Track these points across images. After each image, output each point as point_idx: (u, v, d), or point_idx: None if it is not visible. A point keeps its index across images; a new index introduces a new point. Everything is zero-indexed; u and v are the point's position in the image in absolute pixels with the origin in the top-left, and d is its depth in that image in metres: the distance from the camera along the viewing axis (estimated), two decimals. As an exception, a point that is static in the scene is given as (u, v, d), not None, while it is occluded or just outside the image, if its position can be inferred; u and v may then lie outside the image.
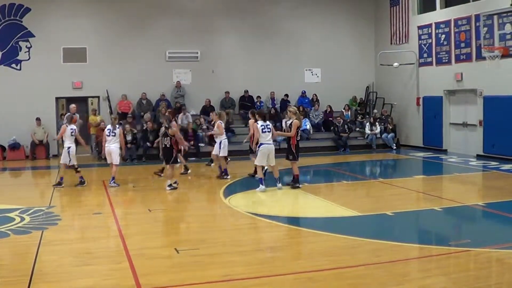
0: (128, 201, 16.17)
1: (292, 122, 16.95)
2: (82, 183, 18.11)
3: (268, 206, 15.06)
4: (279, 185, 16.78)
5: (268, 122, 17.04)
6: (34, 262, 9.59)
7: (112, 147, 18.06)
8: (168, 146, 17.35)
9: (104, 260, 9.98)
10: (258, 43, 30.15)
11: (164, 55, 28.94)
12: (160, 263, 9.57)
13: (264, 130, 16.65)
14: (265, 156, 16.57)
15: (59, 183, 17.96)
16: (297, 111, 17.53)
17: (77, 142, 18.47)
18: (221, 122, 19.45)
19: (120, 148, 18.49)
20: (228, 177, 19.07)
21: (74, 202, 16.28)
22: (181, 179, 18.68)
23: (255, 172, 17.70)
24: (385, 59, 29.06)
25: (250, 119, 19.09)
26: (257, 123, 16.89)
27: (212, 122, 20.80)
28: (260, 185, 16.54)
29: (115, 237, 11.45)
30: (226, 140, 19.61)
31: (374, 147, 28.40)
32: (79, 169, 18.19)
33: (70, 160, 17.83)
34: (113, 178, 18.06)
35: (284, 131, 18.96)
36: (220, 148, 19.18)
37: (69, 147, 17.87)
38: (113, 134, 18.09)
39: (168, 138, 17.32)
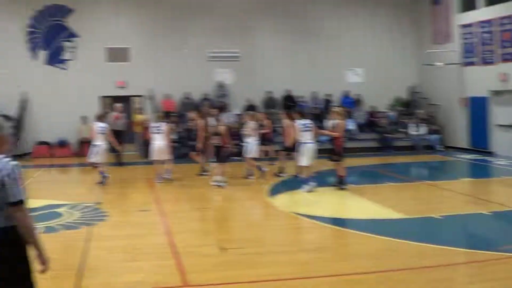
0: (175, 199, 16.24)
1: (337, 122, 16.81)
2: (102, 182, 18.04)
3: (313, 206, 14.90)
4: (308, 186, 16.49)
5: (308, 121, 16.88)
6: (83, 257, 9.73)
7: (160, 144, 18.19)
8: (219, 144, 17.49)
9: (151, 256, 10.07)
10: (300, 42, 30.04)
11: (205, 55, 29.06)
12: (206, 261, 9.58)
13: (303, 129, 16.49)
14: (308, 154, 16.39)
15: (101, 182, 18.20)
16: (342, 112, 17.39)
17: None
18: (254, 123, 19.24)
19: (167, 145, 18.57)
20: (253, 177, 19.06)
21: (121, 199, 16.53)
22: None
23: (298, 172, 17.59)
24: (429, 59, 28.68)
25: (287, 119, 18.90)
26: (296, 122, 16.74)
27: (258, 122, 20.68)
28: (305, 185, 16.39)
29: (162, 234, 11.53)
30: (256, 141, 19.22)
31: (419, 148, 28.07)
32: (102, 168, 18.24)
33: (95, 157, 18.03)
34: (167, 173, 18.23)
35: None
36: (249, 149, 19.05)
37: (95, 145, 18.08)
38: (160, 131, 18.22)
39: (219, 136, 17.47)
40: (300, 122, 16.57)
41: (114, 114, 23.37)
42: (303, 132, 16.41)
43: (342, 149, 16.73)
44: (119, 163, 23.20)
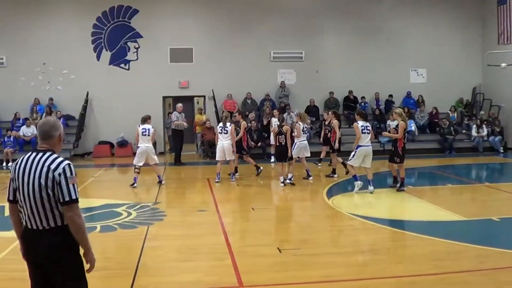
0: (232, 199, 16.27)
1: (398, 124, 16.62)
2: (133, 184, 17.97)
3: (371, 207, 14.84)
4: (371, 188, 16.23)
5: (368, 123, 16.72)
6: (139, 256, 9.78)
7: (226, 144, 18.27)
8: (283, 143, 17.52)
9: (207, 256, 10.06)
10: (362, 43, 29.84)
11: (268, 55, 29.11)
12: (262, 261, 9.51)
13: (364, 131, 16.31)
14: (362, 157, 16.29)
15: (160, 182, 18.36)
16: (403, 113, 17.10)
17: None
18: (300, 123, 19.11)
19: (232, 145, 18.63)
20: (311, 178, 18.94)
21: (179, 199, 16.60)
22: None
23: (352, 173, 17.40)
24: (493, 59, 28.03)
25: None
26: (358, 123, 16.58)
27: (327, 122, 20.56)
28: (356, 182, 16.29)
29: (218, 234, 11.49)
30: (302, 142, 18.84)
31: (481, 150, 27.53)
32: (138, 170, 18.24)
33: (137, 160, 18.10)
34: (233, 173, 18.32)
35: (389, 132, 18.54)
36: (293, 149, 18.93)
37: (138, 147, 18.19)
38: (225, 131, 18.30)
39: (283, 136, 17.49)
40: (360, 124, 16.45)
41: (175, 114, 23.53)
42: (362, 134, 16.27)
43: (403, 150, 16.52)
44: (178, 163, 23.38)
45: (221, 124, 18.58)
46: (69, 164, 5.24)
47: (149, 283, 8.53)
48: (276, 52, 29.11)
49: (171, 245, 10.81)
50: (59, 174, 5.14)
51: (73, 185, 5.19)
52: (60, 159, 5.27)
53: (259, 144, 24.64)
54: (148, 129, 18.07)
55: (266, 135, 25.00)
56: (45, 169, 5.17)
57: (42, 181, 5.14)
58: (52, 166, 5.17)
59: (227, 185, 18.09)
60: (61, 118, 26.50)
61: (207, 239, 11.34)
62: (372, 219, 12.85)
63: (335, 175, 19.40)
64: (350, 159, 16.52)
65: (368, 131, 16.38)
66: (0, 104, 27.33)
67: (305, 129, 18.88)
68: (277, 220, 13.68)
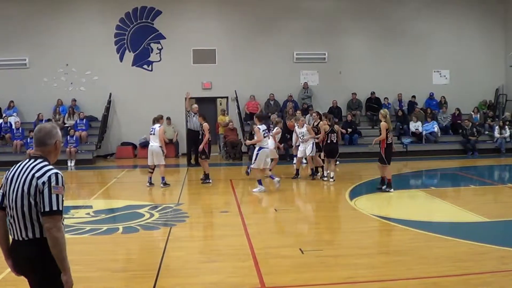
0: (255, 200, 16.19)
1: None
2: (152, 184, 18.23)
3: (393, 209, 14.83)
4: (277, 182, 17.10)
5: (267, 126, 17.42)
6: (161, 257, 9.76)
7: (270, 146, 18.25)
8: (334, 141, 18.00)
9: (229, 257, 10.03)
10: (384, 44, 29.71)
11: (291, 56, 29.08)
12: (285, 262, 9.47)
13: (265, 135, 16.94)
14: (263, 159, 16.88)
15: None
16: (387, 115, 16.72)
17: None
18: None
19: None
20: (333, 180, 18.87)
21: (202, 200, 16.56)
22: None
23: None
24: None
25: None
26: (258, 127, 17.03)
27: (316, 123, 20.62)
28: (260, 186, 16.91)
29: (241, 236, 11.44)
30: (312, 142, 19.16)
31: (503, 151, 27.26)
32: (151, 170, 18.39)
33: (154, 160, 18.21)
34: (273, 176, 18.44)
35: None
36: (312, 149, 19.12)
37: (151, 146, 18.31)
38: (269, 134, 18.29)
39: (335, 134, 17.97)
40: (261, 127, 16.98)
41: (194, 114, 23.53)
42: (265, 138, 16.98)
43: (387, 151, 16.32)
44: (197, 164, 23.38)
45: (264, 126, 17.94)
46: (56, 174, 4.99)
47: (171, 284, 8.52)
48: (299, 53, 29.08)
49: (193, 246, 10.82)
50: (43, 183, 4.91)
51: (57, 195, 4.92)
52: (48, 167, 5.04)
53: (282, 145, 24.55)
54: (154, 128, 18.27)
55: (288, 136, 24.92)
56: (29, 176, 4.96)
57: (25, 188, 4.92)
58: (37, 174, 4.95)
59: (251, 186, 18.01)
60: (84, 119, 26.68)
61: (230, 240, 11.31)
62: (394, 220, 12.88)
63: (317, 174, 19.55)
64: (253, 163, 17.07)
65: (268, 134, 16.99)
66: (23, 105, 27.51)
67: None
68: (299, 221, 13.62)
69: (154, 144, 18.14)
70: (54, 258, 4.89)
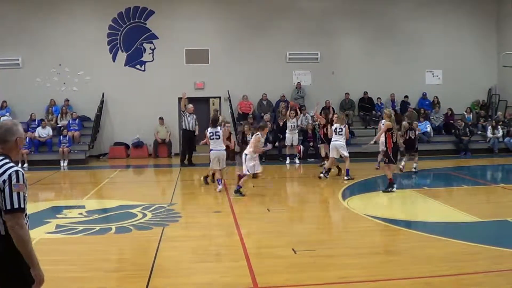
0: (247, 200, 16.13)
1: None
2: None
3: (386, 209, 14.79)
4: (220, 186, 17.00)
5: (217, 129, 17.16)
6: (154, 257, 9.76)
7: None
8: (412, 138, 18.69)
9: (222, 257, 10.09)
10: (377, 44, 29.74)
11: (284, 56, 29.09)
12: (277, 262, 9.47)
13: (212, 137, 17.03)
14: (216, 160, 17.05)
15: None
16: (392, 114, 16.84)
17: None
18: (335, 125, 19.14)
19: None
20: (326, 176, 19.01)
21: (194, 200, 16.61)
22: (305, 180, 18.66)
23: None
24: (509, 60, 27.95)
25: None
26: (207, 130, 17.35)
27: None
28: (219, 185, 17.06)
29: (233, 236, 11.46)
30: (336, 142, 19.01)
31: (496, 151, 27.27)
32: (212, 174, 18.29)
33: None
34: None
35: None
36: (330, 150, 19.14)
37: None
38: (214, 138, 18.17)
39: (413, 131, 18.81)
40: (209, 130, 17.18)
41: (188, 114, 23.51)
42: (211, 140, 17.13)
43: (393, 151, 16.47)
44: (191, 164, 23.37)
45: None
46: (17, 171, 4.97)
47: (164, 284, 8.54)
48: (291, 53, 29.08)
49: (186, 246, 10.78)
50: (4, 181, 4.89)
51: (18, 193, 4.90)
52: (9, 165, 5.02)
53: (276, 144, 24.58)
54: (217, 132, 17.61)
55: (281, 136, 24.95)
56: None
57: None
58: None
59: (243, 187, 18.01)
60: (77, 119, 26.62)
61: (222, 240, 11.37)
62: (387, 220, 12.85)
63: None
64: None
65: (217, 137, 16.98)
66: (16, 105, 27.40)
67: (337, 129, 18.98)
68: (292, 221, 13.63)
69: (220, 148, 17.41)
70: (19, 258, 4.92)
